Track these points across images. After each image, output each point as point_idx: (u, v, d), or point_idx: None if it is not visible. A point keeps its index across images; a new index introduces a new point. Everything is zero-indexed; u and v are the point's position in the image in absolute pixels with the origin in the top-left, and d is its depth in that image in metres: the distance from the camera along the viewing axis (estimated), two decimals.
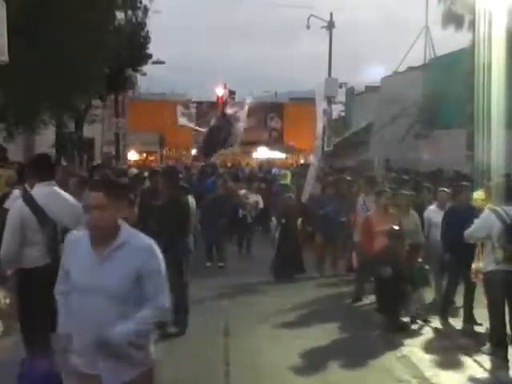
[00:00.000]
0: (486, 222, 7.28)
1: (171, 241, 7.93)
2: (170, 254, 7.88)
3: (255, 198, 14.90)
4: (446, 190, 9.97)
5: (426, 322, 8.81)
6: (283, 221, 12.27)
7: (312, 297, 10.40)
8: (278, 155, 39.83)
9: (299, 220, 12.66)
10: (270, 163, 31.45)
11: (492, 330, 7.38)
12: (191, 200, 8.33)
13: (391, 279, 8.39)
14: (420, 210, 9.97)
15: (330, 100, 32.14)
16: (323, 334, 8.29)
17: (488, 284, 7.34)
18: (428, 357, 7.46)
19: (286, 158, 39.96)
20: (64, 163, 21.74)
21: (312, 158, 14.11)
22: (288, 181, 17.56)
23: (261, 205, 14.92)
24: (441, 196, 9.89)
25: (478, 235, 7.49)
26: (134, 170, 18.18)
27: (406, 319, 8.66)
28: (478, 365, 7.18)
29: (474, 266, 8.00)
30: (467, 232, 7.58)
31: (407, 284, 8.67)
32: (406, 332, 8.33)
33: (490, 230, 7.20)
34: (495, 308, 7.25)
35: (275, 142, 42.97)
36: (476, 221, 7.51)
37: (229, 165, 29.81)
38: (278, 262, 11.78)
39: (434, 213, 9.60)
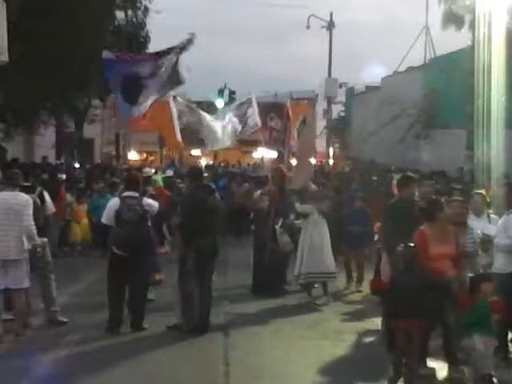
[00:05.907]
0: None
1: (200, 241, 7.95)
2: (198, 253, 7.92)
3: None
4: (481, 192, 8.50)
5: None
6: (252, 228, 11.16)
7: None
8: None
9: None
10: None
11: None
12: (217, 200, 8.35)
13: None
14: None
15: (329, 100, 32.16)
16: (323, 334, 8.28)
17: (508, 286, 7.10)
18: (428, 357, 7.45)
19: None
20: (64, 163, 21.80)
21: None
22: None
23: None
24: (476, 201, 8.11)
25: None
26: (151, 171, 17.70)
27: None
28: None
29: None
30: (507, 244, 7.18)
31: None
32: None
33: None
34: (507, 310, 7.18)
35: (275, 142, 42.76)
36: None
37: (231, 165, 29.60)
38: (252, 276, 10.67)
39: (473, 223, 7.63)
